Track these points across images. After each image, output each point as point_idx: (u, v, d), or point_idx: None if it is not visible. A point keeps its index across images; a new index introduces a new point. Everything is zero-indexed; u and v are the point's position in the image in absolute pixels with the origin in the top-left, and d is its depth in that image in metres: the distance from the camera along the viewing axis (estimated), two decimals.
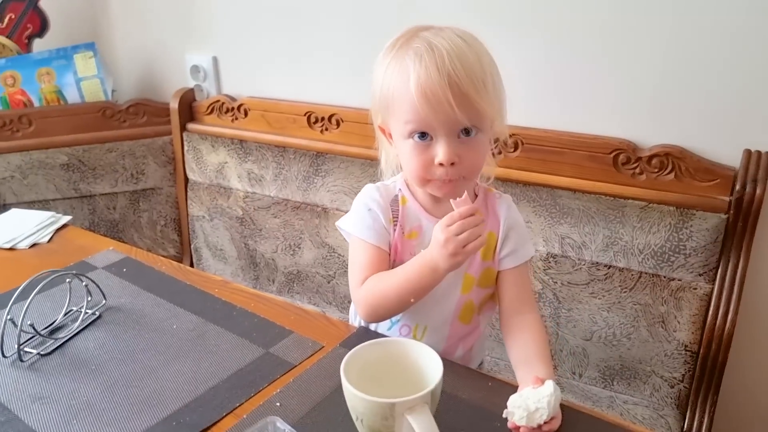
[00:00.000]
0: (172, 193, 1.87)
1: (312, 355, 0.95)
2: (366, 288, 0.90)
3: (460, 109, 0.79)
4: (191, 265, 1.90)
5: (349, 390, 0.69)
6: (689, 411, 1.27)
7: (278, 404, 0.85)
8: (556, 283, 1.34)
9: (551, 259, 1.33)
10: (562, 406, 0.80)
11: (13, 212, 1.48)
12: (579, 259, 1.31)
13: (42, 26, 1.85)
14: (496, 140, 1.35)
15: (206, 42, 1.78)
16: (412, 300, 0.87)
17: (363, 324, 1.02)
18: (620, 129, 1.26)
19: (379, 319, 0.94)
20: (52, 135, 1.75)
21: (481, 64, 0.82)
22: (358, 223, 0.94)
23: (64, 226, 1.43)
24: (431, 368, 0.73)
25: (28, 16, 1.83)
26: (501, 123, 0.93)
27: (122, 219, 1.85)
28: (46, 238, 1.36)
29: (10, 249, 1.31)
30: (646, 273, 1.25)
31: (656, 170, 1.22)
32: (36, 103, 1.77)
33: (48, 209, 1.77)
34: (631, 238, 1.24)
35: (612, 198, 1.26)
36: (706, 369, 1.23)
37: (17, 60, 1.76)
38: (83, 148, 1.77)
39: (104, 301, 1.09)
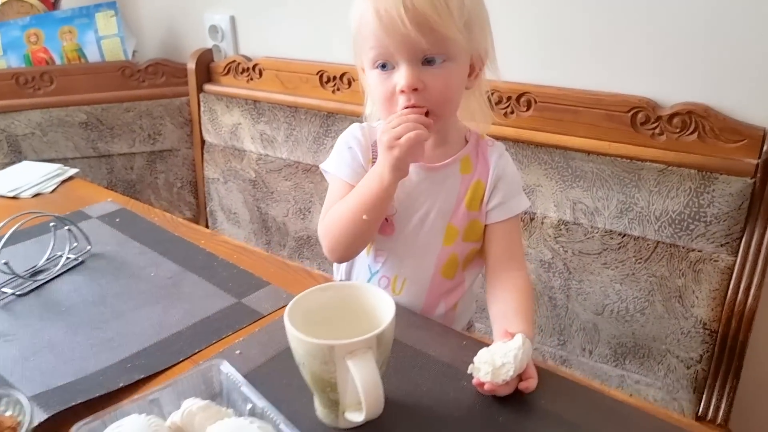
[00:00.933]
0: (188, 155, 1.86)
1: (283, 307, 0.91)
2: (326, 218, 0.86)
3: (415, 27, 0.74)
4: (206, 228, 1.89)
5: (290, 331, 0.64)
6: (706, 394, 1.17)
7: (238, 352, 0.81)
8: (567, 252, 1.25)
9: (562, 226, 1.25)
10: (539, 369, 0.73)
11: (24, 164, 1.49)
12: (591, 227, 1.22)
13: None
14: (508, 98, 1.28)
15: (224, 0, 1.75)
16: (364, 217, 0.81)
17: (343, 278, 0.97)
18: (640, 86, 1.16)
19: (342, 252, 0.88)
20: (72, 93, 1.76)
21: None
22: (337, 161, 0.90)
23: (70, 178, 1.43)
24: (386, 315, 0.67)
25: None
26: (491, 66, 0.86)
27: (139, 180, 1.85)
28: (50, 189, 1.36)
29: (13, 198, 1.32)
30: (662, 243, 1.15)
31: (677, 130, 1.12)
32: (57, 61, 1.78)
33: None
34: (647, 203, 1.15)
35: (628, 160, 1.16)
36: (726, 349, 1.13)
37: (41, 18, 1.77)
38: (102, 107, 1.77)
39: (89, 247, 1.08)
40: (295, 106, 1.61)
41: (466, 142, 0.90)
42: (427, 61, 0.77)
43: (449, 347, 0.80)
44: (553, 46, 1.24)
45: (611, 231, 1.20)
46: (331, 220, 0.86)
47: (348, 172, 0.88)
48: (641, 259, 1.18)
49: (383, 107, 0.82)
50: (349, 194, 0.84)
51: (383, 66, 0.80)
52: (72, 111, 1.76)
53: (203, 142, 1.83)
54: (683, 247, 1.13)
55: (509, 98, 1.27)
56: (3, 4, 1.82)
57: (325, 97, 1.56)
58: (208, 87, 1.78)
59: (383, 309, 0.68)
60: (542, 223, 1.28)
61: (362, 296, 0.71)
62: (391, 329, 0.65)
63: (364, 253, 0.91)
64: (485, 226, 0.89)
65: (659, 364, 1.21)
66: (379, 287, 0.90)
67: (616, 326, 1.23)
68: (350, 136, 0.91)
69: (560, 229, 1.26)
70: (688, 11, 1.09)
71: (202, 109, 1.79)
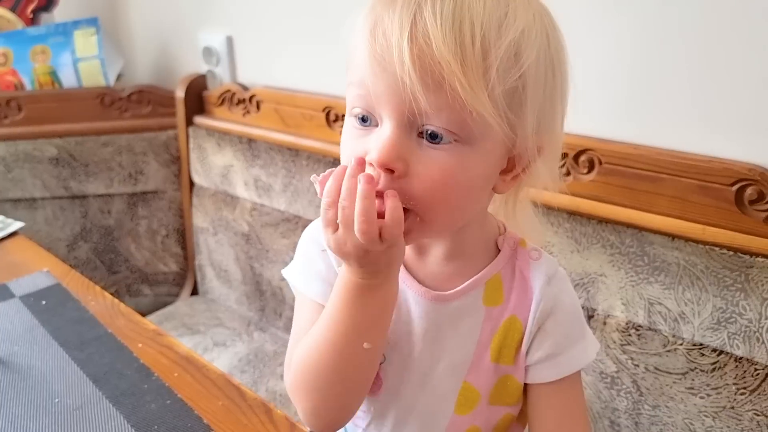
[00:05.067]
0: (175, 198, 1.58)
1: None
2: (294, 358, 0.56)
3: (419, 72, 0.45)
4: (194, 286, 1.61)
5: None
6: None
7: None
8: (638, 366, 0.93)
9: (632, 330, 0.93)
10: None
11: None
12: (674, 336, 0.90)
13: None
14: (563, 156, 0.97)
15: (221, 18, 1.48)
16: (365, 345, 0.51)
17: None
18: (751, 151, 0.84)
19: (336, 412, 0.56)
20: (43, 123, 1.51)
21: (500, 28, 0.46)
22: (304, 269, 0.62)
23: (14, 233, 1.17)
24: None
25: None
26: (551, 153, 0.55)
27: (118, 226, 1.58)
28: None
29: None
30: None
31: None
32: (28, 86, 1.53)
33: (35, 209, 1.55)
34: (757, 315, 0.82)
35: (731, 252, 0.84)
36: None
37: (11, 36, 1.53)
38: (76, 140, 1.52)
39: None
40: (296, 148, 1.32)
41: (498, 251, 0.59)
42: (429, 135, 0.47)
43: None
44: (630, 90, 0.93)
45: (703, 345, 0.87)
46: (300, 361, 0.56)
47: (318, 286, 0.59)
48: (745, 388, 0.85)
49: None
50: (321, 318, 0.54)
51: (363, 119, 0.51)
52: (41, 144, 1.51)
53: (192, 184, 1.55)
54: None
55: (565, 155, 0.96)
56: None
57: (331, 140, 1.27)
58: (198, 120, 1.50)
59: None
60: (604, 323, 0.96)
61: None
62: None
63: None
64: (526, 385, 0.58)
65: None
66: None
67: None
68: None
69: (629, 335, 0.93)
70: None
71: (191, 145, 1.52)
